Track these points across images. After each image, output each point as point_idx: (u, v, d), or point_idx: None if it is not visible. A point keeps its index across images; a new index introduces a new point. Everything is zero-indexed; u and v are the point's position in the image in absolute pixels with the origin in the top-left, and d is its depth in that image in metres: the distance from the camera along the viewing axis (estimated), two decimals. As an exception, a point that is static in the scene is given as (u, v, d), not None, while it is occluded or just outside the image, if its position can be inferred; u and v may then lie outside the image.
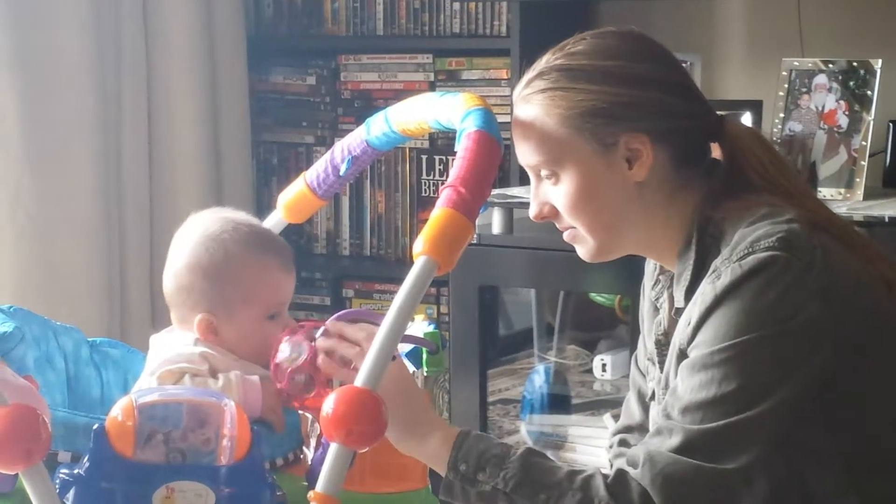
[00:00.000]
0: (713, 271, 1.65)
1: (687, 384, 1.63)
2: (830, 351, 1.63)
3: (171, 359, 1.77)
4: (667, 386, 1.77)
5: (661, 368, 1.83)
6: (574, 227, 1.78)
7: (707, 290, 1.64)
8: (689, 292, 1.72)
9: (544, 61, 1.76)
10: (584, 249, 1.79)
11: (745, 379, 1.60)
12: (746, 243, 1.64)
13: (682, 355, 1.68)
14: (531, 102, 1.75)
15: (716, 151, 1.79)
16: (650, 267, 1.90)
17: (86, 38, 3.23)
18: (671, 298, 1.80)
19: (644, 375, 1.93)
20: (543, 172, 1.76)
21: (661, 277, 1.86)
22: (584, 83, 1.72)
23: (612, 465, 1.91)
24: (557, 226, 1.81)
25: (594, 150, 1.72)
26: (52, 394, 1.82)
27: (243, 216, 1.89)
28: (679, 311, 1.76)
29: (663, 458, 1.61)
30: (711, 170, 1.77)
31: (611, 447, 2.02)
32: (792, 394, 1.62)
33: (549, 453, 3.13)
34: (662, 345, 1.83)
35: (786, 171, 1.78)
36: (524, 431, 3.26)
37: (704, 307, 1.64)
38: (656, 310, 1.87)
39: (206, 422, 1.52)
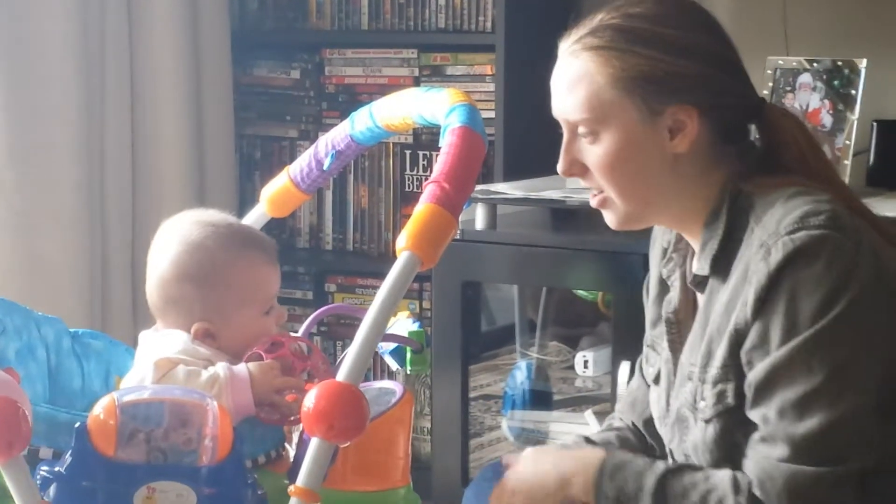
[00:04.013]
0: (761, 246, 1.64)
1: (775, 385, 1.62)
2: (888, 328, 1.64)
3: (170, 351, 1.75)
4: (675, 366, 1.77)
5: (671, 347, 1.82)
6: (603, 192, 1.77)
7: (760, 267, 1.64)
8: (717, 262, 1.72)
9: (598, 19, 1.74)
10: (613, 215, 1.79)
11: (830, 367, 1.60)
12: (795, 217, 1.64)
13: (738, 336, 1.66)
14: (580, 58, 1.73)
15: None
16: (658, 248, 1.90)
17: (70, 30, 3.22)
18: (683, 276, 1.81)
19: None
20: (581, 130, 1.75)
21: (673, 255, 1.86)
22: (641, 47, 1.71)
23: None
24: (584, 184, 1.80)
25: (640, 116, 1.72)
26: (34, 385, 1.82)
27: (218, 216, 1.86)
28: (696, 279, 1.76)
29: (780, 471, 1.61)
30: (749, 149, 1.77)
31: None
32: (876, 368, 1.62)
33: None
34: (672, 323, 1.83)
35: (823, 158, 1.79)
36: (505, 427, 3.27)
37: (760, 287, 1.63)
38: (665, 289, 1.87)
39: (187, 421, 1.51)
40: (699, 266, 1.75)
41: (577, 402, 3.31)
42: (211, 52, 3.64)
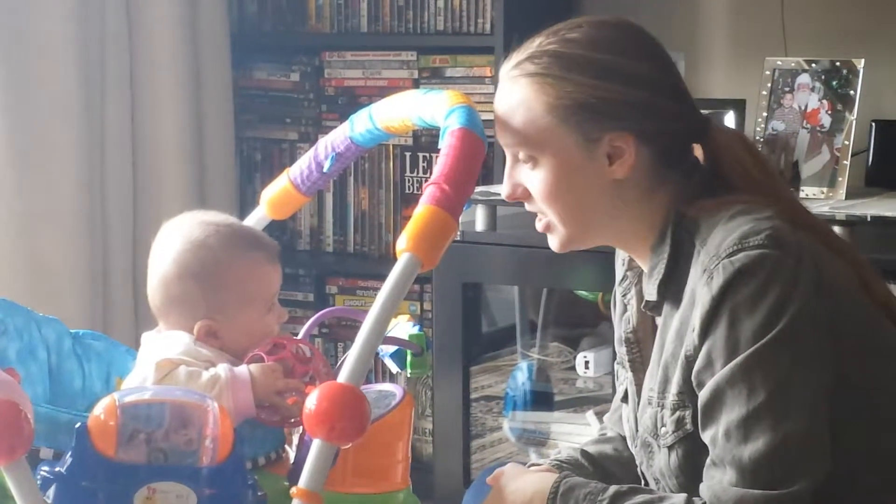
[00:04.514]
0: (704, 271, 1.64)
1: (720, 406, 1.62)
2: (830, 344, 1.64)
3: (172, 352, 1.75)
4: (639, 387, 1.77)
5: (632, 367, 1.82)
6: (545, 216, 1.77)
7: (703, 292, 1.63)
8: (663, 286, 1.72)
9: (536, 44, 1.74)
10: (556, 240, 1.79)
11: (772, 385, 1.59)
12: (734, 239, 1.63)
13: (689, 361, 1.66)
14: (518, 84, 1.73)
15: (698, 151, 1.79)
16: (618, 264, 1.90)
17: (70, 32, 3.22)
18: (639, 294, 1.80)
19: None
20: (521, 155, 1.75)
21: (628, 273, 1.85)
22: (577, 74, 1.70)
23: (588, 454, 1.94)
24: (527, 207, 1.80)
25: (576, 143, 1.71)
26: (34, 385, 1.82)
27: (220, 216, 1.87)
28: (649, 305, 1.75)
29: (728, 495, 1.60)
30: (692, 170, 1.76)
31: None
32: (821, 385, 1.61)
33: (531, 451, 3.14)
34: (632, 342, 1.83)
35: (768, 174, 1.78)
36: (507, 428, 3.27)
37: (704, 311, 1.63)
38: (624, 307, 1.87)
39: (188, 422, 1.52)
40: (648, 291, 1.75)
41: (579, 403, 3.32)
42: (210, 55, 3.65)
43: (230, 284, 1.80)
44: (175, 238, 1.83)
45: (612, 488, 1.71)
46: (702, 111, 1.80)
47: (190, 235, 1.82)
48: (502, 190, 1.80)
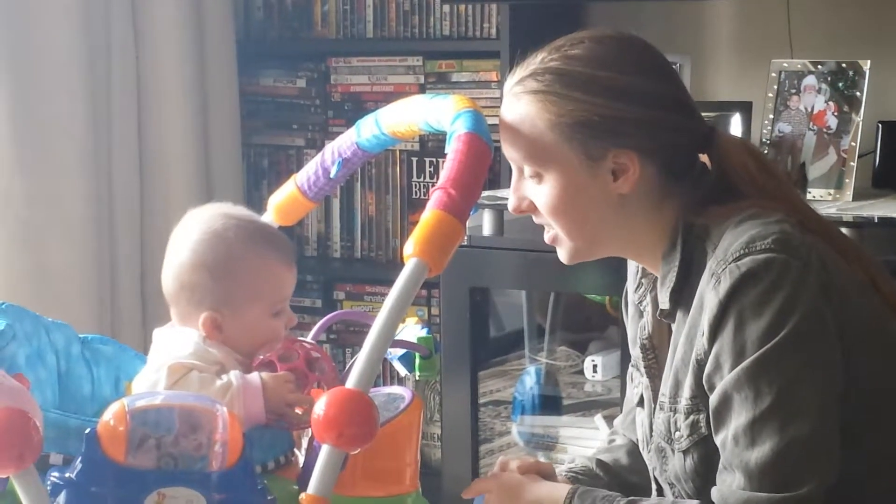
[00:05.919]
0: (712, 275, 1.65)
1: (728, 409, 1.62)
2: (840, 346, 1.64)
3: (182, 354, 1.76)
4: (655, 393, 1.78)
5: (648, 373, 1.82)
6: (553, 228, 1.78)
7: (710, 297, 1.64)
8: (675, 293, 1.72)
9: (539, 60, 1.74)
10: (563, 252, 1.80)
11: (778, 389, 1.59)
12: (741, 243, 1.63)
13: (700, 365, 1.67)
14: (521, 101, 1.74)
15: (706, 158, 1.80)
16: (632, 270, 1.90)
17: (75, 40, 3.23)
18: (655, 301, 1.80)
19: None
20: (527, 171, 1.76)
21: (643, 281, 1.86)
22: (579, 92, 1.70)
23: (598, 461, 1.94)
24: (534, 220, 1.81)
25: (580, 160, 1.72)
26: (43, 391, 1.82)
27: (244, 212, 1.88)
28: (664, 313, 1.76)
29: (735, 498, 1.61)
30: (699, 179, 1.77)
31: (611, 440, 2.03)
32: (830, 388, 1.62)
33: (540, 455, 3.15)
34: (647, 349, 1.83)
35: (776, 179, 1.78)
36: (515, 433, 3.27)
37: (712, 315, 1.63)
38: (640, 314, 1.87)
39: (198, 427, 1.52)
40: (662, 299, 1.75)
41: (587, 407, 3.31)
42: (217, 62, 3.65)
43: (239, 278, 1.80)
44: (196, 227, 1.83)
45: (625, 499, 1.72)
46: (706, 117, 1.80)
47: (210, 226, 1.82)
48: (509, 203, 1.81)
